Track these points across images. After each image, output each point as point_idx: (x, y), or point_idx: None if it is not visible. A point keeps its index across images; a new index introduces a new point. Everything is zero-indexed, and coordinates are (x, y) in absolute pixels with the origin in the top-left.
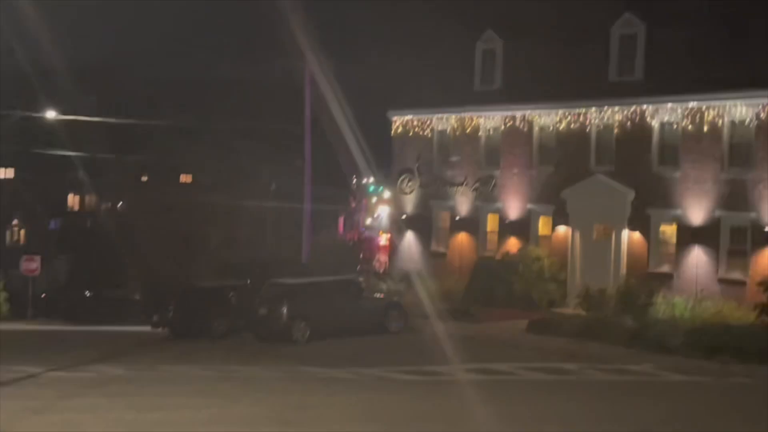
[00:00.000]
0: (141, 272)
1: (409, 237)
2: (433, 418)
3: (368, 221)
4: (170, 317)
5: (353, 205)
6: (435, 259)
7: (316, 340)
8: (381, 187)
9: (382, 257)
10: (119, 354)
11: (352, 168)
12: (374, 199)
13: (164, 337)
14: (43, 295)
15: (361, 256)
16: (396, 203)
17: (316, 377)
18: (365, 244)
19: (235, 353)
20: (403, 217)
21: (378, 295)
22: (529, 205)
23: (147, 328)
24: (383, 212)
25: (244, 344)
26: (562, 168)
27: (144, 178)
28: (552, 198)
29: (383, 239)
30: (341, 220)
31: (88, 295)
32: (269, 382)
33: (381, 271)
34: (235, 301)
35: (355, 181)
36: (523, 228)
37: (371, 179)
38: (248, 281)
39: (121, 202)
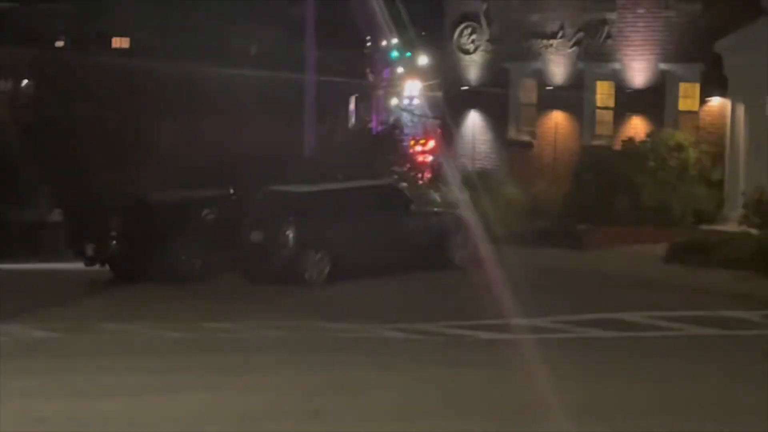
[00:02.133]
0: (61, 184)
1: (474, 120)
2: (556, 404)
3: (393, 102)
4: (113, 249)
5: (371, 78)
6: (515, 152)
7: (339, 279)
8: (408, 53)
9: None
10: (37, 306)
11: (370, 23)
12: (400, 70)
13: (105, 279)
14: None
15: (391, 154)
16: (449, 69)
17: (344, 338)
18: (394, 136)
19: (215, 303)
20: (464, 89)
21: (432, 209)
22: (662, 65)
23: (76, 266)
24: (413, 90)
25: (230, 288)
26: (716, 5)
27: (59, 43)
28: (700, 53)
29: (420, 145)
30: (353, 102)
31: None
32: (272, 346)
33: (429, 173)
34: (212, 223)
35: (369, 43)
36: (653, 101)
37: (393, 41)
38: (231, 191)
39: (25, 81)
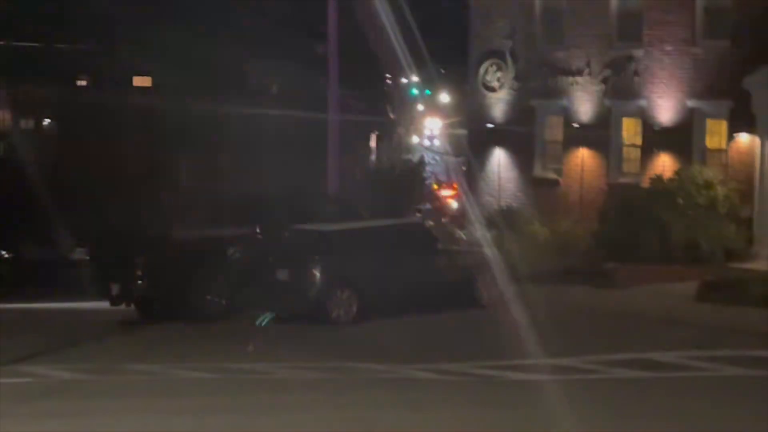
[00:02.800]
0: (83, 222)
1: (499, 157)
2: None
3: (414, 140)
4: (138, 288)
5: (392, 115)
6: (541, 189)
7: (366, 318)
8: (428, 91)
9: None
10: (62, 347)
11: (390, 60)
12: (420, 108)
13: (131, 319)
14: None
15: (416, 192)
16: (474, 107)
17: (375, 378)
18: (418, 175)
19: (241, 342)
20: (489, 126)
21: (458, 248)
22: (690, 102)
23: (101, 305)
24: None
25: (256, 328)
26: (744, 42)
27: (81, 83)
28: (728, 90)
29: (444, 189)
30: (373, 139)
31: (5, 256)
32: (301, 386)
33: (453, 212)
34: (238, 261)
35: (389, 81)
36: (681, 138)
37: (413, 78)
38: (257, 230)
39: (47, 120)
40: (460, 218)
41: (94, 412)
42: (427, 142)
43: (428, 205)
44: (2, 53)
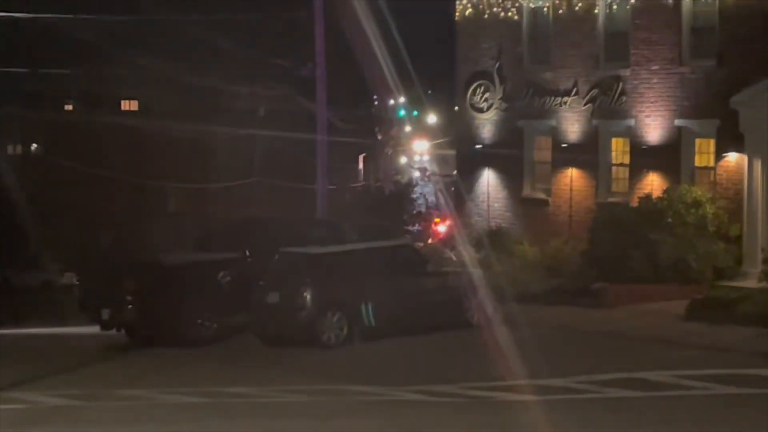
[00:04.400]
0: (70, 246)
1: (488, 178)
2: None
3: (402, 161)
4: (128, 313)
5: (380, 136)
6: (530, 209)
7: (356, 341)
8: (415, 112)
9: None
10: (52, 372)
11: (377, 82)
12: (407, 129)
13: (121, 344)
14: None
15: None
16: (462, 128)
17: (366, 401)
18: (407, 196)
19: (232, 366)
20: (477, 147)
21: (448, 269)
22: (677, 122)
23: (91, 329)
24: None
25: (246, 351)
26: (731, 61)
27: (68, 107)
28: (715, 109)
29: (438, 222)
30: (361, 161)
31: None
32: (293, 411)
33: (442, 233)
34: (227, 285)
35: (376, 102)
36: (669, 157)
37: (401, 99)
38: (247, 253)
39: (34, 144)
40: (450, 239)
41: None
42: (416, 164)
43: (417, 226)
44: None
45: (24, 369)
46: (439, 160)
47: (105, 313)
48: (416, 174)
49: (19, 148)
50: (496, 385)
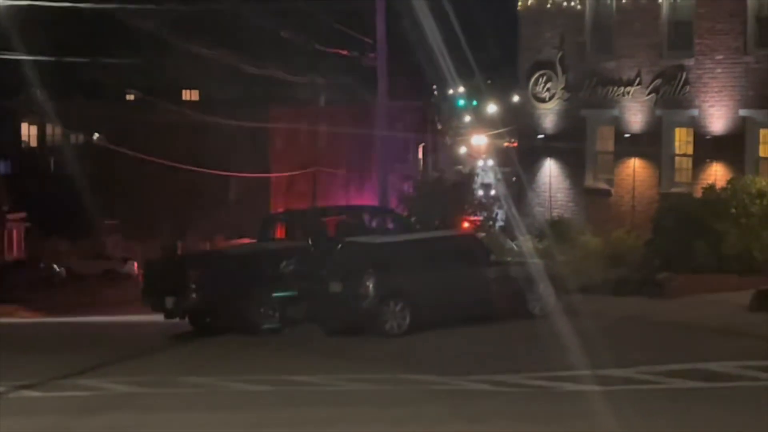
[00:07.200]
0: (133, 234)
1: (550, 168)
2: None
3: (462, 151)
4: (192, 302)
5: (439, 126)
6: (593, 199)
7: (419, 330)
8: (474, 102)
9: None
10: (117, 360)
11: (437, 72)
12: (467, 118)
13: (184, 332)
14: None
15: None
16: (524, 118)
17: (429, 390)
18: (469, 186)
19: (295, 355)
20: (539, 137)
21: (511, 259)
22: (742, 111)
23: (154, 318)
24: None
25: (308, 340)
26: None
27: (130, 97)
28: None
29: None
30: (421, 151)
31: (56, 269)
32: (357, 399)
33: (503, 223)
34: (290, 274)
35: (436, 92)
36: (733, 147)
37: (460, 89)
38: (310, 242)
39: (97, 134)
40: (512, 229)
41: (153, 425)
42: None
43: (480, 216)
44: (52, 70)
45: (89, 356)
46: (500, 150)
47: (169, 302)
48: (479, 164)
49: (81, 138)
50: (558, 375)
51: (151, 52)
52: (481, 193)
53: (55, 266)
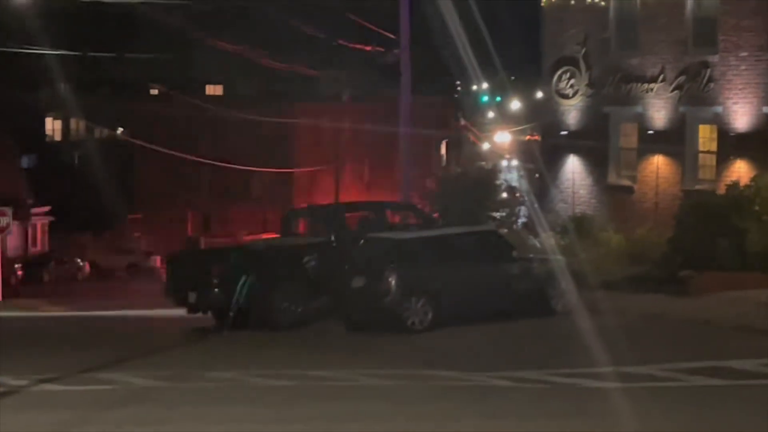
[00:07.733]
0: (156, 228)
1: (573, 164)
2: None
3: (485, 147)
4: (215, 296)
5: (462, 122)
6: (615, 196)
7: (441, 326)
8: (498, 98)
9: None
10: (140, 354)
11: (463, 67)
12: (490, 114)
13: (206, 327)
14: (17, 267)
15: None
16: (547, 114)
17: (451, 386)
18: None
19: (317, 350)
20: (563, 133)
21: (533, 255)
22: (766, 109)
23: (176, 313)
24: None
25: (331, 335)
26: None
27: (154, 91)
28: None
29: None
30: (444, 147)
31: (80, 264)
32: (378, 395)
33: (525, 219)
34: (313, 269)
35: (459, 88)
36: (757, 144)
37: (483, 85)
38: (332, 238)
39: (121, 128)
40: (535, 225)
41: (175, 420)
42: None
43: (503, 213)
44: (77, 64)
45: (112, 350)
46: (523, 146)
47: (192, 296)
48: (503, 163)
49: (105, 132)
50: (580, 371)
51: (176, 48)
52: (504, 192)
53: (78, 260)
